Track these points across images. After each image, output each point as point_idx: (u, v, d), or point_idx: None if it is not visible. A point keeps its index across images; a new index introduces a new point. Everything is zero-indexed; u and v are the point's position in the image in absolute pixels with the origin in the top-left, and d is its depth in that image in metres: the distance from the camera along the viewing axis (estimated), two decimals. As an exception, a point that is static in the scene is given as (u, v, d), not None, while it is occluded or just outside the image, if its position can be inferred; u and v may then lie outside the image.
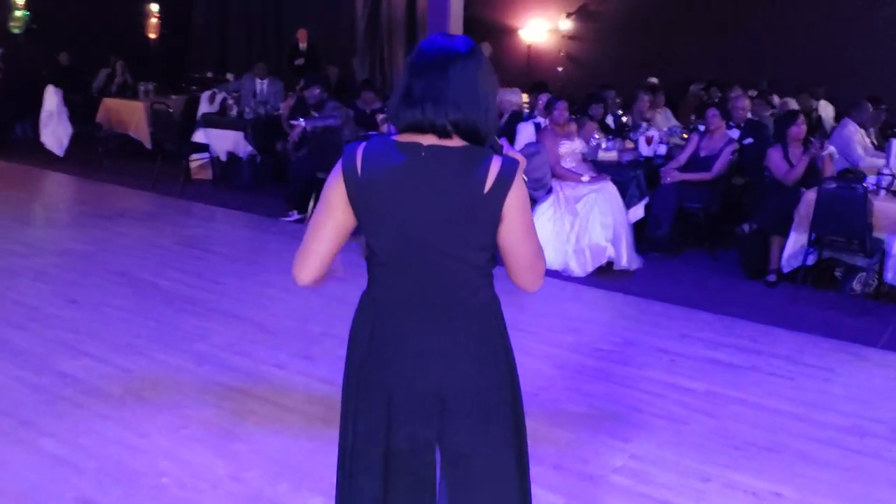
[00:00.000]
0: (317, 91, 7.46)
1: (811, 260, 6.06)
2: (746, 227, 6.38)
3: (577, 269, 6.22)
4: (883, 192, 6.04)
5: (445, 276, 1.90)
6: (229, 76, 13.10)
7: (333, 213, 1.93)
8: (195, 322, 5.00)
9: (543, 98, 7.51)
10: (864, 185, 5.76)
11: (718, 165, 6.93)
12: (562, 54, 14.61)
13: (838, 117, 11.02)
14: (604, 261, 6.22)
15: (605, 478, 3.38)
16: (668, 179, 6.90)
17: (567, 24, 14.52)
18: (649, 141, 7.33)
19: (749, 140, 7.33)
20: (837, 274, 6.34)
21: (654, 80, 11.82)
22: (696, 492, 3.32)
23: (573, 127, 6.77)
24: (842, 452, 3.67)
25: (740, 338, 5.06)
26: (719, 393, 4.25)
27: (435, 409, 1.94)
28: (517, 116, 7.92)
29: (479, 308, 1.95)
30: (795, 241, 6.09)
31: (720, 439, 3.76)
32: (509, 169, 1.85)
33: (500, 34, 14.54)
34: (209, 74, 13.87)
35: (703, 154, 7.04)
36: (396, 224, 1.89)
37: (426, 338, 1.93)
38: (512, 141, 7.38)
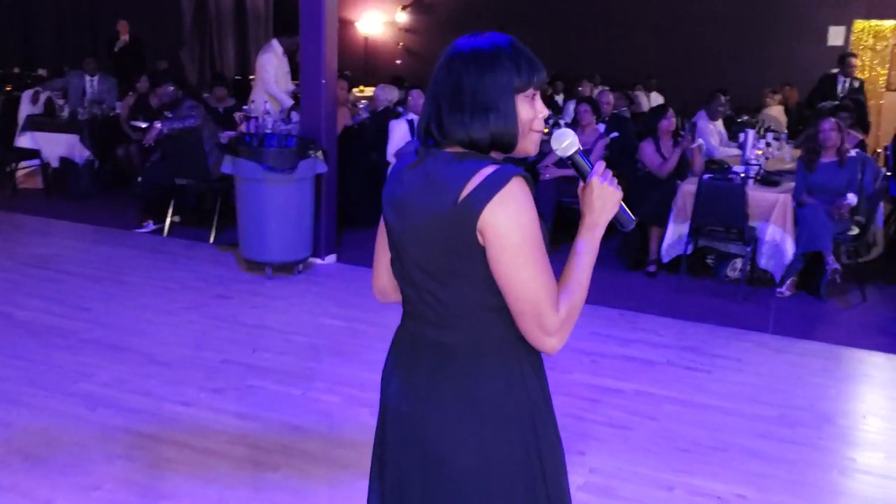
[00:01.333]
0: (171, 89, 6.82)
1: (689, 249, 6.26)
2: (630, 221, 6.49)
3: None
4: (751, 182, 6.34)
5: (438, 306, 1.61)
6: (42, 72, 11.93)
7: (381, 225, 1.78)
8: (71, 357, 4.40)
9: (415, 94, 7.29)
10: (741, 174, 6.01)
11: (592, 160, 6.99)
12: (400, 47, 14.47)
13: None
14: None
15: (573, 497, 3.24)
16: (547, 175, 6.92)
17: (403, 17, 14.39)
18: (522, 136, 7.29)
19: (615, 134, 7.49)
20: (710, 261, 6.61)
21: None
22: (664, 502, 3.26)
23: (452, 124, 6.61)
24: (782, 445, 3.76)
25: (647, 332, 5.12)
26: (649, 392, 4.25)
27: (418, 459, 1.66)
28: (390, 113, 7.65)
29: (474, 352, 1.62)
30: (674, 232, 6.28)
31: (666, 442, 3.74)
32: (498, 178, 1.50)
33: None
34: (16, 70, 12.54)
35: (576, 149, 7.09)
36: (392, 238, 1.70)
37: (410, 378, 1.68)
38: (387, 139, 7.12)
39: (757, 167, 6.42)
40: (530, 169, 7.03)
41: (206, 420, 3.78)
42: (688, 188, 6.17)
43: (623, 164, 7.42)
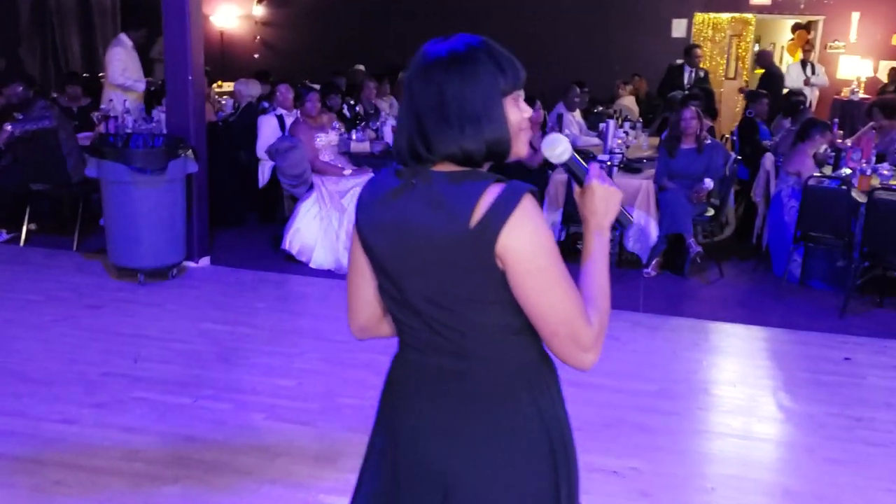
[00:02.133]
0: (20, 89, 6.38)
1: (562, 236, 6.50)
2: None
3: (350, 267, 6.07)
4: (615, 170, 6.63)
5: (452, 335, 1.52)
6: None
7: (355, 255, 1.67)
8: (-69, 381, 4.08)
9: (283, 89, 7.16)
10: (606, 163, 6.29)
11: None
12: (257, 40, 14.14)
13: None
14: (376, 255, 6.13)
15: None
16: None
17: (260, 10, 14.07)
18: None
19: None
20: (580, 247, 6.86)
21: (361, 66, 11.88)
22: (564, 480, 3.39)
23: (325, 118, 6.57)
24: (664, 417, 3.98)
25: (529, 319, 5.27)
26: (537, 377, 4.38)
27: (439, 495, 1.57)
28: (254, 109, 7.49)
29: (499, 378, 1.54)
30: (547, 220, 6.46)
31: (560, 423, 3.87)
32: (509, 198, 1.43)
33: (189, 20, 13.67)
34: None
35: (447, 141, 7.20)
36: (385, 268, 1.58)
37: (428, 412, 1.58)
38: (254, 135, 6.96)
39: (620, 155, 6.73)
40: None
41: (93, 437, 3.60)
42: (559, 177, 6.39)
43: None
